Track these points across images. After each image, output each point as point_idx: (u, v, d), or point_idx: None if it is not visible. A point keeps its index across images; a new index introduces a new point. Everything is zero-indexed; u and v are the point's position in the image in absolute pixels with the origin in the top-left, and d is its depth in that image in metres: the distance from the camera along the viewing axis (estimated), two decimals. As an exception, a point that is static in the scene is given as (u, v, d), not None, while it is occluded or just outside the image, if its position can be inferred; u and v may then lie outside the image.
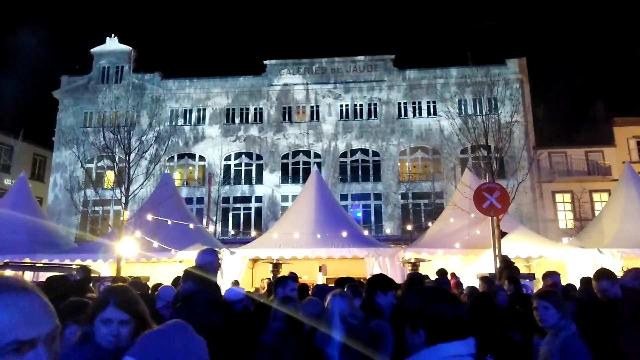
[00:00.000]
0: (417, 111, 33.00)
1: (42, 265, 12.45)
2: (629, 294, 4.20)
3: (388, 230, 29.70)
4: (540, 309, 3.46)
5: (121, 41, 34.94)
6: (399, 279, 10.20)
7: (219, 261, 4.71)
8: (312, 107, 33.64)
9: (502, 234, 10.41)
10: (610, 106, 32.68)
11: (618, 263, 12.11)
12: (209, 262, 4.58)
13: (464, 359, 1.58)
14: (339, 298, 3.35)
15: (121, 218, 14.77)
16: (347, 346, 3.06)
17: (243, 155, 33.11)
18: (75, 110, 33.38)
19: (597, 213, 22.07)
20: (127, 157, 15.66)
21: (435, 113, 32.36)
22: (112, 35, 35.14)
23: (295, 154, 32.90)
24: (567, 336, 3.26)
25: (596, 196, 29.34)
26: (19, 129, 35.13)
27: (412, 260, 12.88)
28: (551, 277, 7.02)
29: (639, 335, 3.71)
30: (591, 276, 4.86)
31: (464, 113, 21.85)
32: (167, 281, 7.43)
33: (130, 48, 33.71)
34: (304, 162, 32.21)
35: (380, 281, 3.59)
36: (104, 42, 35.02)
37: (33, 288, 1.01)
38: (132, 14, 69.70)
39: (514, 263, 9.28)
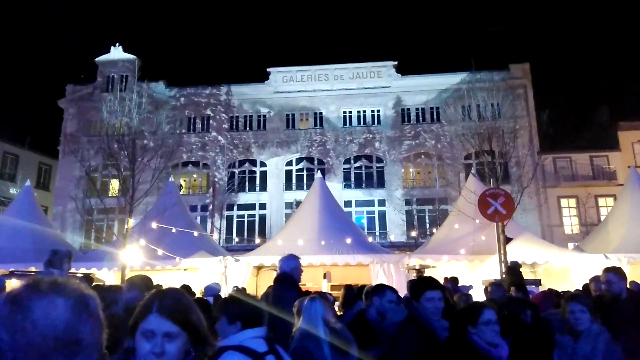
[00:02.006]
0: (421, 117, 32.99)
1: (47, 273, 12.46)
2: (632, 295, 4.46)
3: (392, 236, 29.61)
4: (576, 312, 3.61)
5: (126, 50, 35.16)
6: (403, 286, 10.15)
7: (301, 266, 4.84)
8: (315, 113, 33.72)
9: (508, 240, 10.36)
10: (614, 110, 32.60)
11: (624, 268, 12.02)
12: (295, 268, 4.74)
13: (257, 339, 2.33)
14: (318, 303, 3.49)
15: (126, 226, 14.79)
16: (334, 345, 3.32)
17: (247, 163, 33.18)
18: (80, 119, 33.56)
19: (602, 218, 21.94)
20: (132, 166, 15.72)
21: (438, 119, 32.35)
22: (117, 44, 35.38)
23: (299, 160, 32.94)
24: (606, 341, 3.51)
25: (601, 201, 29.20)
26: (24, 137, 35.51)
27: (417, 267, 12.83)
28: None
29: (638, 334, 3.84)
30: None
31: (467, 119, 21.79)
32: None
33: (135, 57, 33.88)
34: (308, 169, 32.23)
35: (427, 282, 3.54)
36: (108, 51, 35.25)
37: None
38: (136, 23, 70.28)
39: (519, 268, 9.20)
